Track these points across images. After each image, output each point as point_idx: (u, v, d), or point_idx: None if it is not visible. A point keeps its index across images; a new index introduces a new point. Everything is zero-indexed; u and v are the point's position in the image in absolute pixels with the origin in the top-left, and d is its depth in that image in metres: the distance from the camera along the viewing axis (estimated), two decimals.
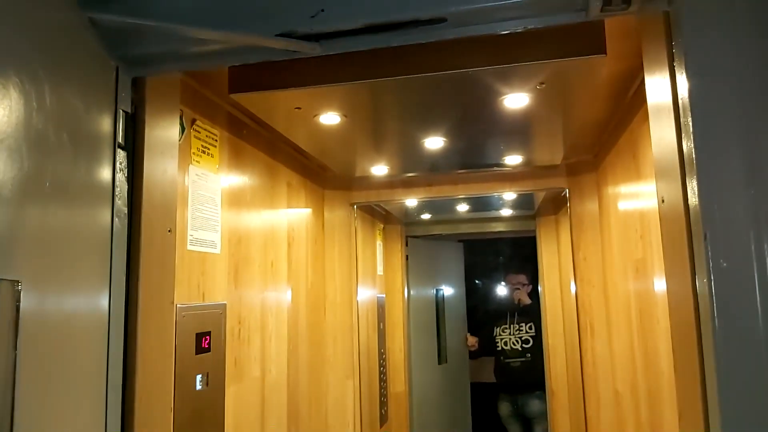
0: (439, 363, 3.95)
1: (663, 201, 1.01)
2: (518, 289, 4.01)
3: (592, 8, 0.93)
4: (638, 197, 1.71)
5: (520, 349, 3.90)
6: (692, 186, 0.87)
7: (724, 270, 0.82)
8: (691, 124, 0.86)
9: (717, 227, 0.83)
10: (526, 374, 3.77)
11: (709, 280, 0.82)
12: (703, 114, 0.86)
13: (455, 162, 2.26)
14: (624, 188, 1.91)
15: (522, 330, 4.02)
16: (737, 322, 0.81)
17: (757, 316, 0.80)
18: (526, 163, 2.30)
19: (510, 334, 4.00)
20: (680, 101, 0.90)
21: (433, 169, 2.38)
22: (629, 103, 1.69)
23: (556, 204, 3.05)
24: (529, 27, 0.98)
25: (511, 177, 2.45)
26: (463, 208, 3.33)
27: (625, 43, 1.32)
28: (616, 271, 2.06)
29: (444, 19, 0.98)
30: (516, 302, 4.01)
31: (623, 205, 1.93)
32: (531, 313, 3.79)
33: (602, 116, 1.84)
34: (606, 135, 2.03)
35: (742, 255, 0.81)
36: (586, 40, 1.26)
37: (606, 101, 1.71)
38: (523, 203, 3.20)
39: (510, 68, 1.31)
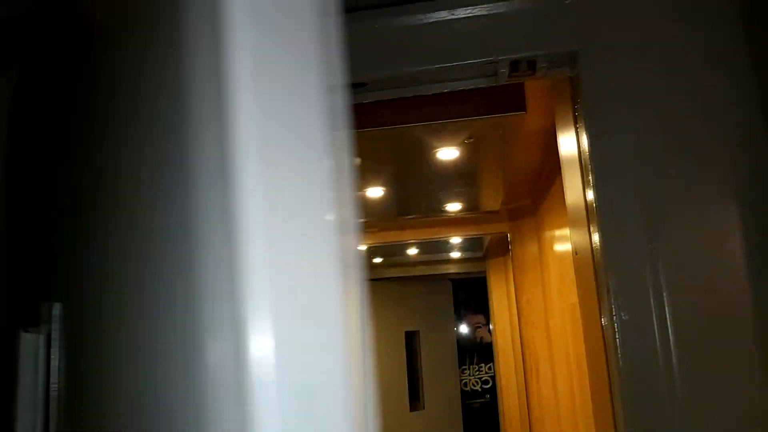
0: (413, 409, 3.71)
1: (576, 253, 1.06)
2: (479, 327, 4.04)
3: (501, 75, 0.99)
4: (569, 243, 1.78)
5: (479, 389, 3.90)
6: (595, 239, 0.92)
7: (627, 322, 0.86)
8: (592, 180, 0.92)
9: (618, 280, 0.88)
10: (486, 415, 3.76)
11: (614, 331, 0.87)
12: (602, 171, 0.92)
13: (400, 209, 2.31)
14: (558, 233, 1.98)
15: (481, 371, 4.02)
16: (640, 369, 0.85)
17: (658, 364, 0.84)
18: (468, 209, 2.37)
19: (470, 374, 4.00)
20: (583, 158, 0.96)
21: (379, 216, 2.42)
22: (558, 152, 1.78)
23: (503, 246, 3.12)
24: (444, 90, 1.04)
25: (456, 222, 2.51)
26: (413, 251, 3.36)
27: (547, 100, 1.40)
28: (556, 314, 2.11)
29: (364, 84, 1.03)
30: (478, 340, 4.03)
31: (558, 250, 2.00)
32: (490, 353, 3.81)
33: (535, 165, 1.92)
34: (541, 182, 2.12)
35: (642, 307, 0.86)
36: (506, 99, 1.34)
37: (536, 152, 1.79)
38: (472, 246, 3.26)
39: (437, 125, 1.37)
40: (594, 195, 0.92)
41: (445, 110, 1.35)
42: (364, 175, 1.81)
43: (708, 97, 0.84)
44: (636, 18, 0.92)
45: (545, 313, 2.32)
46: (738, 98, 0.83)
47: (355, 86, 1.04)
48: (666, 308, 0.85)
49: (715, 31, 0.84)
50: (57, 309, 0.65)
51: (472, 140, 1.49)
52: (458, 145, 1.53)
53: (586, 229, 0.96)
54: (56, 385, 0.64)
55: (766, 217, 0.81)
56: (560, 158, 1.13)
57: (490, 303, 3.39)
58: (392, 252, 3.40)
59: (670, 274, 0.85)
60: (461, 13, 0.96)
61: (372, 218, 2.45)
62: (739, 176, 0.83)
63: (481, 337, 4.05)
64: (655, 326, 0.85)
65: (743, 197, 0.82)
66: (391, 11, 0.97)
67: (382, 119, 1.38)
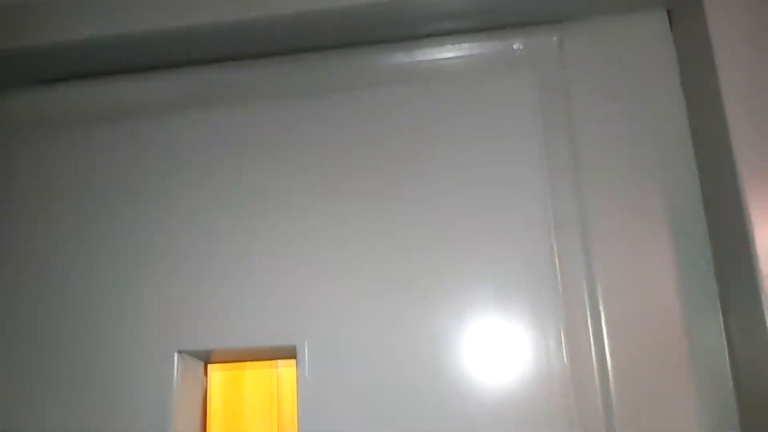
0: None
1: None
2: None
3: None
4: None
5: None
6: None
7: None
8: None
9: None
10: None
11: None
12: None
13: None
14: None
15: None
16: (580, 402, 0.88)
17: (596, 399, 0.87)
18: None
19: None
20: None
21: None
22: None
23: None
24: None
25: None
26: None
27: None
28: None
29: None
30: None
31: None
32: None
33: None
34: None
35: (582, 347, 0.89)
36: None
37: None
38: None
39: None
40: None
41: None
42: None
43: (646, 142, 0.89)
44: None
45: None
46: (673, 143, 0.89)
47: None
48: (606, 348, 0.86)
49: (652, 76, 0.89)
50: None
51: None
52: None
53: None
54: None
55: (696, 255, 0.86)
56: None
57: None
58: None
59: (608, 310, 0.87)
60: None
61: None
62: (673, 218, 0.88)
63: None
64: (595, 368, 0.86)
65: (674, 236, 0.87)
66: None
67: None
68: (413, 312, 0.86)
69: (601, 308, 0.87)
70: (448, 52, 0.94)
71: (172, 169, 0.95)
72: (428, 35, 0.94)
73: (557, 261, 0.87)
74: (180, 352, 0.88)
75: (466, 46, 0.94)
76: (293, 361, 0.88)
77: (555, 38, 0.91)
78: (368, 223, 0.89)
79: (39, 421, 0.90)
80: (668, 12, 0.89)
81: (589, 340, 0.86)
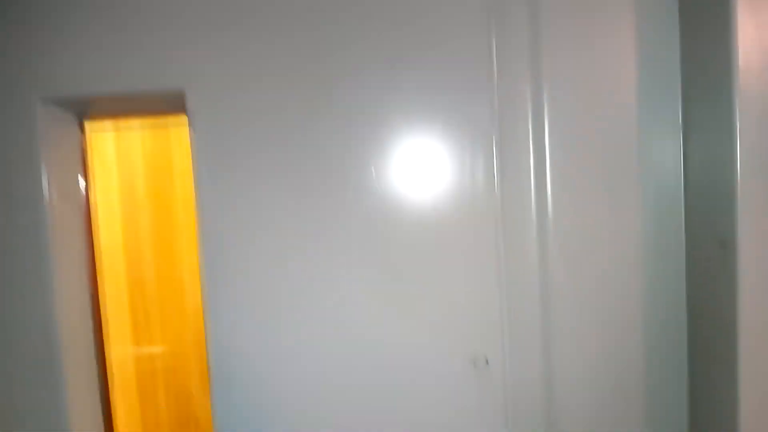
0: None
1: None
2: None
3: None
4: None
5: None
6: None
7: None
8: None
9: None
10: None
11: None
12: None
13: None
14: None
15: None
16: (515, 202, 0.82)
17: (530, 198, 0.81)
18: None
19: None
20: None
21: None
22: None
23: None
24: None
25: None
26: None
27: None
28: None
29: None
30: None
31: None
32: None
33: None
34: None
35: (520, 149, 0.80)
36: None
37: None
38: None
39: None
40: None
41: None
42: None
43: None
44: None
45: None
46: None
47: None
48: (546, 156, 0.79)
49: None
50: None
51: None
52: None
53: None
54: None
55: (663, 54, 0.76)
56: None
57: None
58: None
59: (553, 110, 0.78)
60: None
61: None
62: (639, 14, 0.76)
63: None
64: (532, 179, 0.79)
65: (641, 28, 0.75)
66: None
67: None
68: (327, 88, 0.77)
69: (545, 108, 0.77)
70: None
71: None
72: None
73: (494, 43, 0.74)
74: (44, 100, 0.73)
75: None
76: None
77: None
78: None
79: None
80: None
81: (528, 145, 0.79)
